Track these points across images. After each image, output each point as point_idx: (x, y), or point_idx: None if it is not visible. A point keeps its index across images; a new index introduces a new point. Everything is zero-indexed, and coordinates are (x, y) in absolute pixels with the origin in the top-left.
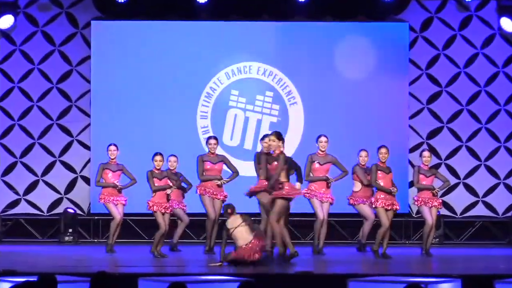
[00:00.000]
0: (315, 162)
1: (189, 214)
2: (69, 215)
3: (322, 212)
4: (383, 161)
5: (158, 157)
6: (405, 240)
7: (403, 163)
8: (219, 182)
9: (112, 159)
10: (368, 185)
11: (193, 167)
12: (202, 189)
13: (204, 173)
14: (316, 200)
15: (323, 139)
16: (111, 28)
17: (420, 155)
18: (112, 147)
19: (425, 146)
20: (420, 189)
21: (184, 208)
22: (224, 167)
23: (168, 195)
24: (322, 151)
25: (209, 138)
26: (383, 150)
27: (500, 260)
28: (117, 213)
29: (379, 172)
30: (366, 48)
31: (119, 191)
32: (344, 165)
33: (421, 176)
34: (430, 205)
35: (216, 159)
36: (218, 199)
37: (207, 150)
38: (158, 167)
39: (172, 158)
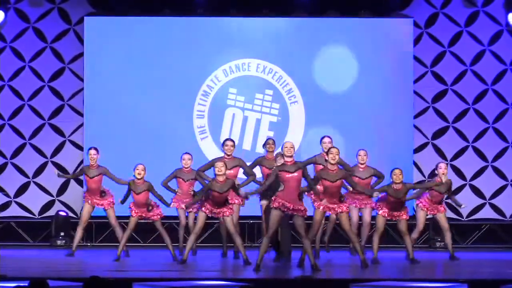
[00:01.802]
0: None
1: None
2: (61, 218)
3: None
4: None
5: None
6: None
7: (407, 164)
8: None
9: (92, 164)
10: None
11: None
12: None
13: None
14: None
15: (326, 140)
16: (105, 24)
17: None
18: (92, 151)
19: (429, 145)
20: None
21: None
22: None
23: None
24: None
25: (226, 140)
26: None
27: (508, 265)
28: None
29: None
30: (370, 45)
31: (101, 194)
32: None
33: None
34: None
35: (231, 163)
36: (235, 203)
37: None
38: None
39: (140, 167)
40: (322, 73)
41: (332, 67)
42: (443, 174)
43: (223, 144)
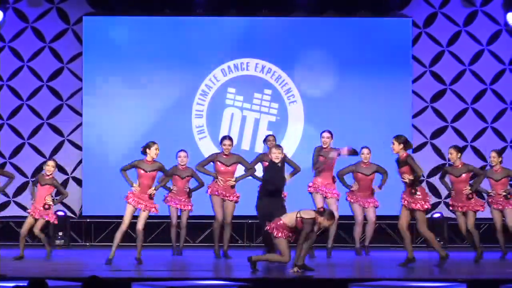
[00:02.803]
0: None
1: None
2: (59, 218)
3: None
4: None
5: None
6: None
7: None
8: (233, 183)
9: (48, 175)
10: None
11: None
12: (213, 189)
13: (216, 175)
14: (319, 195)
15: (325, 134)
16: (103, 23)
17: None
18: (50, 162)
19: (428, 145)
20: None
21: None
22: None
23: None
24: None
25: (224, 139)
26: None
27: (507, 264)
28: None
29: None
30: (368, 45)
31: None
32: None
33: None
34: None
35: (230, 160)
36: (231, 200)
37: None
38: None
39: (182, 154)
40: (321, 72)
41: (331, 67)
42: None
43: (221, 142)
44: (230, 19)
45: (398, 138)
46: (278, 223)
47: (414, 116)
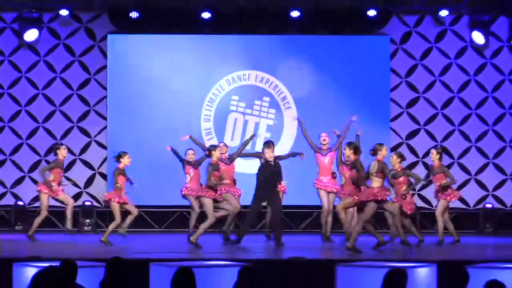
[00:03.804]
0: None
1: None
2: (87, 207)
3: (327, 202)
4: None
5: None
6: (385, 229)
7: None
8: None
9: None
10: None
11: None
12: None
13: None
14: (322, 191)
15: (323, 134)
16: (125, 40)
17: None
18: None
19: (404, 145)
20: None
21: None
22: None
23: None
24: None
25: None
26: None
27: (471, 248)
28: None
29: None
30: (352, 58)
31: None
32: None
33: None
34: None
35: (229, 161)
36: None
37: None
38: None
39: (190, 151)
40: (311, 82)
41: (320, 78)
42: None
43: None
44: (234, 36)
45: (349, 145)
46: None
47: (392, 120)
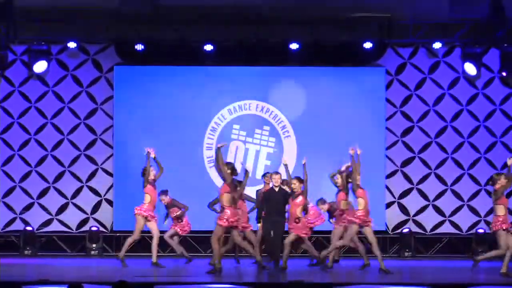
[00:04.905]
0: None
1: (194, 231)
2: (94, 232)
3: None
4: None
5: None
6: (382, 253)
7: (380, 187)
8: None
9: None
10: None
11: (198, 191)
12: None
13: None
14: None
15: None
16: (131, 72)
17: None
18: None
19: (399, 172)
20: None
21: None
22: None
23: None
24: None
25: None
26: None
27: (463, 271)
28: None
29: None
30: (349, 89)
31: None
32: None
33: None
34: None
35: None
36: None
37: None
38: None
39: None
40: (310, 112)
41: (318, 107)
42: None
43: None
44: (235, 68)
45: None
46: None
47: (387, 148)
